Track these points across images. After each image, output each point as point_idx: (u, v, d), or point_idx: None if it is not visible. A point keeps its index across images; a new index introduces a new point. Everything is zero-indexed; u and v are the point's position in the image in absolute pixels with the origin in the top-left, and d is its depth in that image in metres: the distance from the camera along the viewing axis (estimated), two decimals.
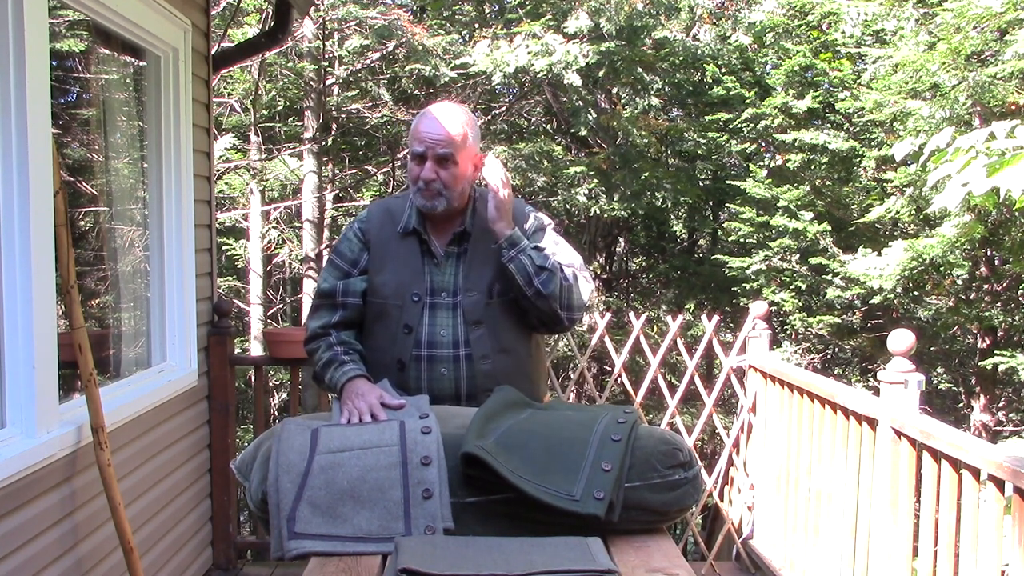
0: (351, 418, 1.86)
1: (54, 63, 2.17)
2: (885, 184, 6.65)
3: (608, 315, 3.43)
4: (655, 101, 8.62)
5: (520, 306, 2.10)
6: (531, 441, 1.72)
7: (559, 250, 2.14)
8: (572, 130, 8.95)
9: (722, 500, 3.59)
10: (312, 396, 6.51)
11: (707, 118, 8.30)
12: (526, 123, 10.16)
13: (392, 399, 1.92)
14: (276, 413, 8.73)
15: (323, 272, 2.17)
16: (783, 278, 7.25)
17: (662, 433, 1.82)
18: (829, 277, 6.74)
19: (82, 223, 3.30)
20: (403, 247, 2.10)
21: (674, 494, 1.73)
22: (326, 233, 8.11)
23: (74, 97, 3.21)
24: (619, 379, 3.50)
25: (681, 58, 8.27)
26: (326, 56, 7.83)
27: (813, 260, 6.82)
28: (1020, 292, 6.35)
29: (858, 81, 6.63)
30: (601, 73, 8.06)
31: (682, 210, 9.83)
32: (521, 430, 1.75)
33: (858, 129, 6.88)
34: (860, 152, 6.79)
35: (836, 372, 9.00)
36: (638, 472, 1.71)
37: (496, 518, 1.67)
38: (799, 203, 6.95)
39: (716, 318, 3.46)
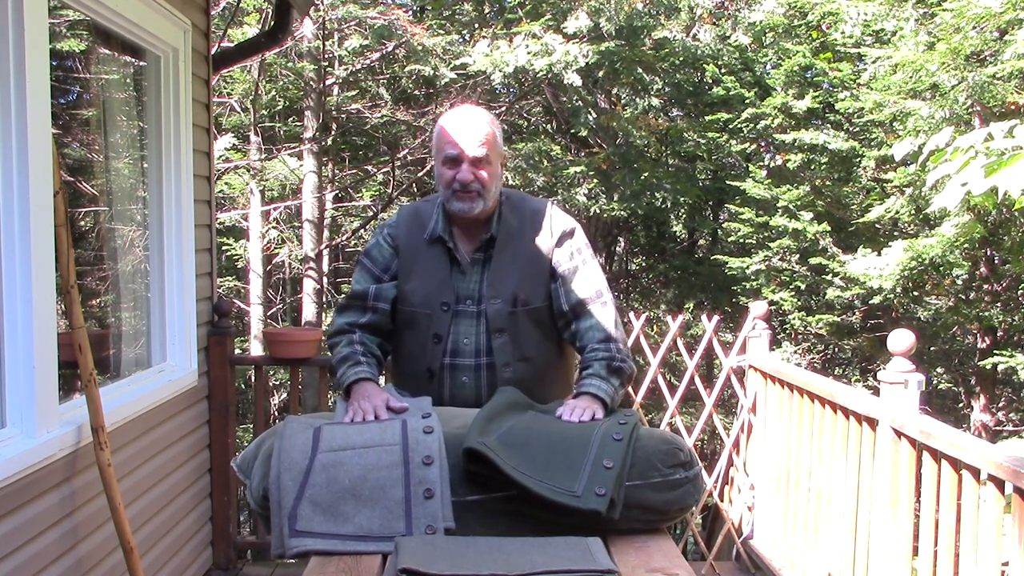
0: (355, 417, 1.86)
1: (54, 63, 2.16)
2: (885, 184, 6.66)
3: None
4: (655, 101, 8.62)
5: (543, 314, 2.10)
6: (533, 439, 1.72)
7: (591, 268, 2.11)
8: (572, 130, 8.95)
9: (722, 500, 3.59)
10: (312, 396, 6.51)
11: (707, 118, 8.30)
12: (526, 123, 10.16)
13: (396, 403, 1.92)
14: (276, 413, 8.72)
15: (356, 274, 2.17)
16: (783, 278, 7.25)
17: (662, 434, 1.83)
18: (829, 277, 6.74)
19: (82, 223, 3.30)
20: (430, 254, 2.10)
21: (675, 493, 1.74)
22: (326, 233, 8.11)
23: (74, 97, 3.20)
24: None
25: (681, 58, 8.27)
26: (326, 56, 7.83)
27: (813, 260, 6.82)
28: (1020, 292, 6.35)
29: (858, 81, 6.63)
30: (601, 73, 8.05)
31: (682, 210, 9.83)
32: (523, 428, 1.76)
33: (858, 129, 6.88)
34: (860, 152, 6.79)
35: (836, 372, 9.00)
36: (639, 471, 1.71)
37: (497, 516, 1.67)
38: (799, 203, 6.95)
39: (716, 318, 3.46)
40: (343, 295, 2.23)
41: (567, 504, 1.60)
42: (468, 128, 2.03)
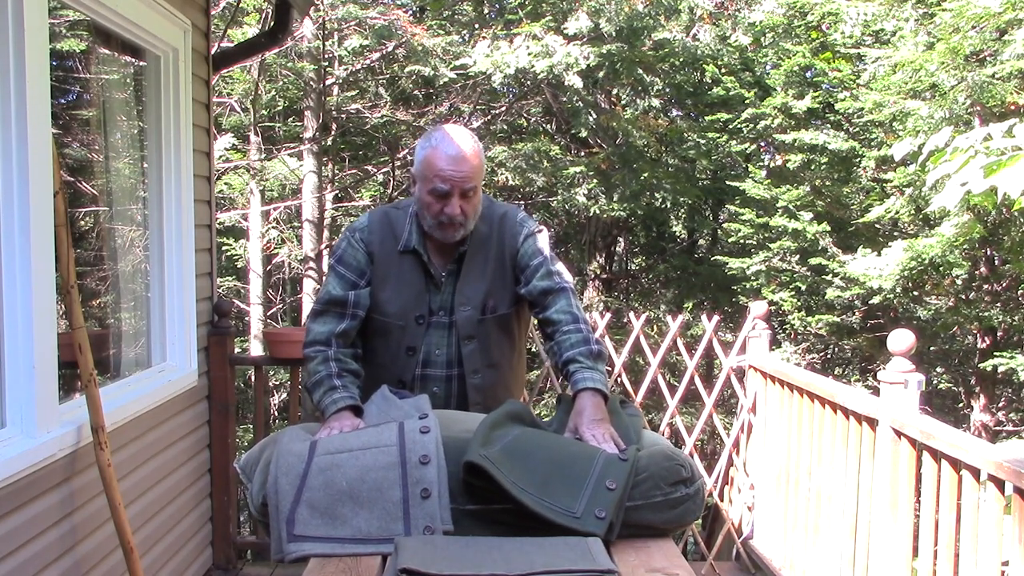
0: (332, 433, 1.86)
1: (54, 63, 2.16)
2: (885, 184, 6.65)
3: (608, 315, 3.43)
4: (655, 102, 8.62)
5: (510, 320, 2.13)
6: (536, 452, 1.70)
7: (550, 263, 2.13)
8: (572, 130, 8.95)
9: (722, 500, 3.59)
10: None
11: (707, 118, 8.29)
12: (526, 123, 10.15)
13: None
14: (276, 413, 8.73)
15: (328, 280, 2.14)
16: (783, 278, 7.25)
17: (664, 449, 1.79)
18: (829, 277, 6.74)
19: (82, 223, 3.30)
20: (404, 266, 2.09)
21: (675, 512, 1.71)
22: (326, 233, 8.11)
23: (74, 97, 3.20)
24: (619, 379, 3.50)
25: (681, 58, 8.27)
26: (326, 56, 7.83)
27: (813, 260, 6.82)
28: (1020, 292, 6.35)
29: (858, 81, 6.63)
30: (601, 74, 8.06)
31: (682, 210, 9.83)
32: (527, 440, 1.74)
33: (858, 129, 6.87)
34: (860, 152, 6.79)
35: (836, 372, 9.00)
36: (641, 491, 1.68)
37: (495, 525, 1.66)
38: (799, 203, 6.95)
39: (716, 318, 3.46)
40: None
41: (566, 525, 1.59)
42: (460, 162, 1.99)
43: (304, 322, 7.74)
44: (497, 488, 1.61)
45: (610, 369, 3.71)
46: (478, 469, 1.62)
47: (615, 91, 8.87)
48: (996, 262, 6.36)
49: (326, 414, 1.98)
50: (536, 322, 2.17)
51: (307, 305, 7.79)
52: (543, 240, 2.16)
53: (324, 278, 2.22)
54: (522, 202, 9.31)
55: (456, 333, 2.08)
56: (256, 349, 7.56)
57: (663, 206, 8.82)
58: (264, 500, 1.70)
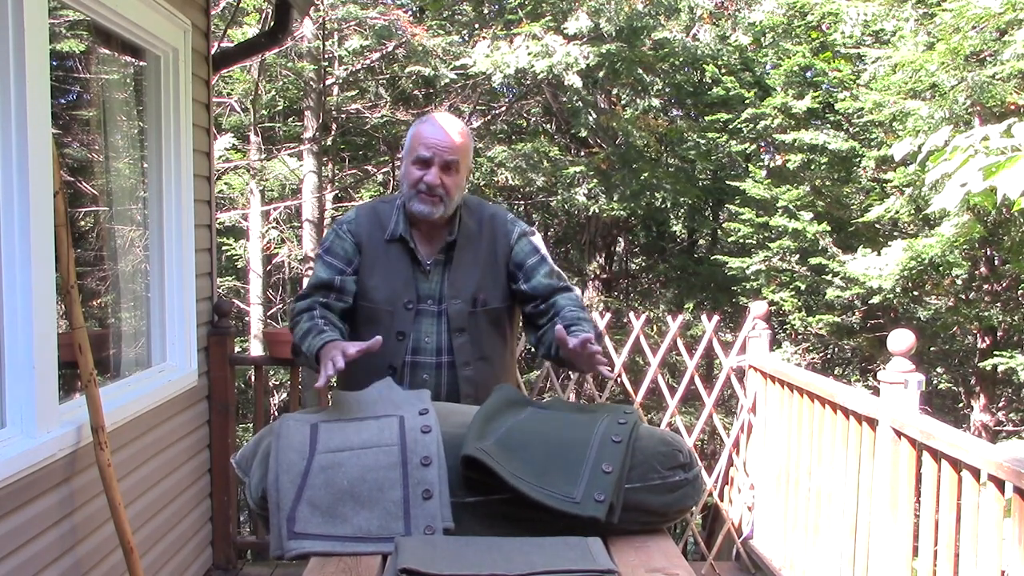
0: (327, 371, 1.81)
1: (54, 63, 2.17)
2: (884, 184, 6.65)
3: (608, 315, 3.43)
4: (655, 102, 8.62)
5: (501, 315, 2.15)
6: (531, 442, 1.71)
7: (550, 263, 2.18)
8: (572, 130, 8.95)
9: (722, 500, 3.59)
10: (312, 396, 6.50)
11: (707, 118, 8.29)
12: (525, 123, 10.16)
13: (359, 345, 1.85)
14: (276, 413, 8.72)
15: (316, 268, 2.18)
16: (783, 278, 7.25)
17: (662, 434, 1.81)
18: (829, 277, 6.74)
19: (82, 223, 3.30)
20: (392, 253, 2.13)
21: (674, 495, 1.73)
22: (326, 233, 8.11)
23: (74, 97, 3.21)
24: (619, 379, 3.50)
25: (681, 58, 8.27)
26: (326, 56, 7.83)
27: (813, 260, 6.82)
28: (1020, 292, 6.35)
29: (857, 81, 6.63)
30: (601, 74, 8.06)
31: (682, 210, 9.83)
32: (521, 430, 1.75)
33: (858, 129, 6.88)
34: (860, 152, 6.79)
35: (836, 372, 9.00)
36: (638, 474, 1.70)
37: (496, 518, 1.67)
38: (799, 203, 6.95)
39: (716, 318, 3.46)
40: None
41: (566, 511, 1.60)
42: (444, 134, 2.08)
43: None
44: (496, 480, 1.62)
45: (609, 369, 3.70)
46: (476, 462, 1.63)
47: (615, 91, 8.88)
48: (996, 262, 6.36)
49: (313, 352, 1.94)
50: (527, 315, 2.18)
51: None
52: (538, 240, 2.21)
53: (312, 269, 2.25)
54: (522, 202, 9.32)
55: (446, 323, 2.11)
56: (256, 349, 7.56)
57: (663, 206, 8.83)
58: (263, 494, 1.70)
